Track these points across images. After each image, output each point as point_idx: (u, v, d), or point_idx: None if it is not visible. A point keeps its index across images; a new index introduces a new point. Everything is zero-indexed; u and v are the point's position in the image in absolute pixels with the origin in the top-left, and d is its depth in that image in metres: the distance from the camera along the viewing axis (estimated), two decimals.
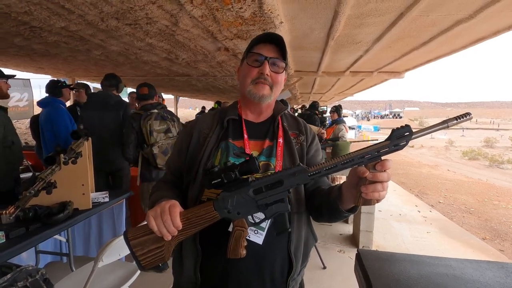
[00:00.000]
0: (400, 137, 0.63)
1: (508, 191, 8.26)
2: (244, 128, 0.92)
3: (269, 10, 1.99)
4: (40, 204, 1.54)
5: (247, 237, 0.80)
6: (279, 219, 0.74)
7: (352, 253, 3.00)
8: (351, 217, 3.67)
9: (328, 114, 7.80)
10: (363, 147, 0.67)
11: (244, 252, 0.73)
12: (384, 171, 0.64)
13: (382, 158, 0.65)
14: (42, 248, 2.12)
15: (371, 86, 8.21)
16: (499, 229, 4.95)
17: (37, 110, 3.19)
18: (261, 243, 0.82)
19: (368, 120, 78.96)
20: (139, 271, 1.65)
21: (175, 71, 4.80)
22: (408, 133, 0.62)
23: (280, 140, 0.92)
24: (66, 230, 1.66)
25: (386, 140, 0.65)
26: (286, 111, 1.01)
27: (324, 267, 2.67)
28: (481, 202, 6.80)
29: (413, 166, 12.98)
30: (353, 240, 3.27)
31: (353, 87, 8.36)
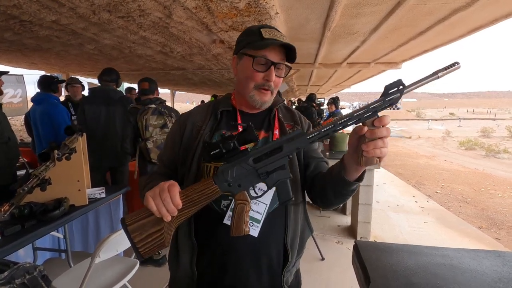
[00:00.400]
0: (393, 91, 0.62)
1: (504, 180, 8.33)
2: (239, 118, 0.90)
3: (265, 0, 1.95)
4: (36, 201, 1.53)
5: None
6: (281, 188, 0.71)
7: (350, 244, 3.03)
8: (349, 208, 3.69)
9: (325, 106, 7.78)
10: None
11: (247, 229, 0.71)
12: (383, 126, 0.63)
13: (379, 114, 0.64)
14: (40, 245, 2.11)
15: (368, 78, 8.18)
16: (495, 218, 5.00)
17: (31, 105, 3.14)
18: (256, 236, 0.81)
19: None
20: (137, 266, 1.65)
21: (170, 64, 4.74)
22: (401, 87, 0.62)
23: (276, 132, 0.90)
24: (63, 226, 1.65)
25: (381, 95, 0.64)
26: (281, 103, 0.99)
27: (323, 259, 2.69)
28: (477, 192, 6.86)
29: (411, 157, 13.04)
30: (351, 231, 3.30)
31: (350, 79, 8.33)
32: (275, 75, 0.83)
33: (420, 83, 0.63)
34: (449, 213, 4.43)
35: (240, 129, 0.87)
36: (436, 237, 3.39)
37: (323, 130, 0.67)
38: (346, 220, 3.62)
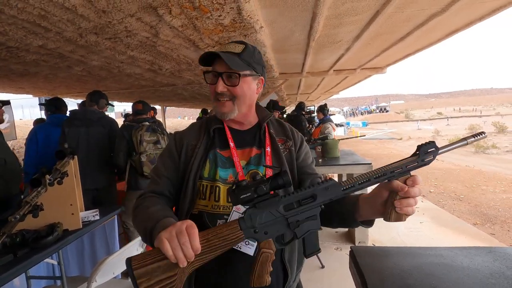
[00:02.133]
0: (427, 152, 0.67)
1: (495, 175, 8.50)
2: (230, 136, 0.91)
3: (249, 15, 2.00)
4: (28, 228, 1.50)
5: (238, 248, 0.79)
6: (309, 239, 0.67)
7: (348, 250, 3.03)
8: None
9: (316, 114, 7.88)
10: (388, 164, 0.69)
11: (269, 279, 0.66)
12: (414, 186, 0.65)
13: (411, 173, 0.67)
14: (33, 273, 2.05)
15: (355, 83, 8.35)
16: (488, 213, 5.08)
17: (18, 130, 3.11)
18: (252, 254, 0.79)
19: (355, 116, 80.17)
20: None
21: (160, 81, 4.77)
22: (434, 149, 0.67)
23: (268, 149, 0.91)
24: (57, 252, 1.62)
25: (413, 155, 0.68)
26: (271, 117, 1.00)
27: (323, 267, 2.68)
28: (470, 188, 6.97)
29: (403, 157, 13.19)
30: (349, 236, 3.30)
31: (338, 85, 8.49)
32: (227, 84, 0.85)
33: (451, 147, 0.69)
34: (444, 211, 4.49)
35: (235, 153, 0.88)
36: (432, 237, 3.43)
37: (358, 184, 0.67)
38: None
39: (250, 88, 0.89)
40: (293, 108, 8.00)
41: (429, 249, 0.98)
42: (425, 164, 0.67)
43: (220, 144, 0.91)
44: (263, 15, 2.21)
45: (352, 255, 0.95)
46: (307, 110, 7.72)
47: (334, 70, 5.04)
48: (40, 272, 2.15)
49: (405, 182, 0.65)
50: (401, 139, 25.14)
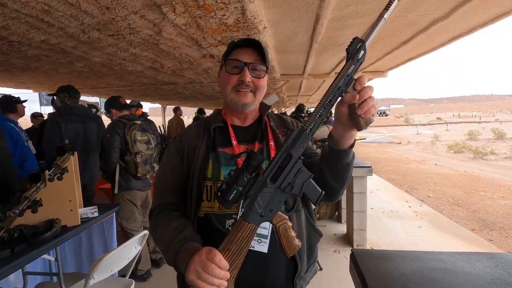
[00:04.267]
0: (356, 50, 0.64)
1: (493, 181, 8.51)
2: (232, 134, 0.90)
3: (252, 16, 2.00)
4: (26, 224, 1.49)
5: (252, 248, 0.79)
6: (308, 190, 0.69)
7: (347, 252, 3.02)
8: (344, 216, 3.70)
9: None
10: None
11: (299, 242, 0.70)
12: (363, 87, 0.64)
13: (355, 77, 0.66)
14: (30, 269, 2.04)
15: None
16: (486, 219, 5.09)
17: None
18: (266, 251, 0.81)
19: None
20: (133, 286, 1.61)
21: (161, 79, 4.76)
22: (360, 43, 0.64)
23: (272, 143, 0.91)
24: (54, 248, 1.61)
25: (347, 60, 0.65)
26: (270, 111, 1.00)
27: (321, 269, 2.67)
28: (468, 194, 6.99)
29: (402, 162, 13.22)
30: (347, 239, 3.30)
31: None
32: (252, 76, 0.85)
33: (373, 32, 0.65)
34: (442, 216, 4.49)
35: (238, 150, 0.87)
36: (431, 241, 3.42)
37: (317, 117, 0.67)
38: (342, 228, 3.62)
39: (266, 82, 0.91)
40: (293, 109, 8.00)
41: (430, 254, 0.97)
42: (361, 61, 0.65)
43: (222, 142, 0.90)
44: (266, 16, 2.21)
45: (353, 258, 0.95)
46: (307, 112, 7.73)
47: (335, 73, 5.04)
48: (36, 268, 2.14)
49: (355, 89, 0.65)
50: (400, 143, 25.18)
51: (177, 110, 7.71)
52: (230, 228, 0.81)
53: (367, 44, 0.64)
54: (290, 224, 0.69)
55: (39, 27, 2.09)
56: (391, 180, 8.05)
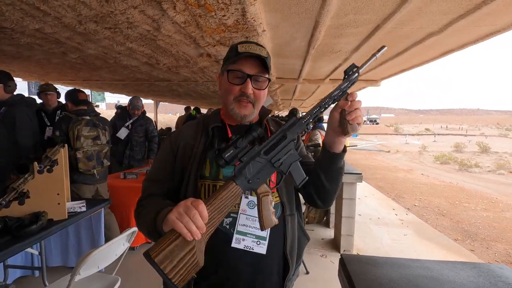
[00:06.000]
0: (352, 72, 0.78)
1: (476, 193, 8.76)
2: (230, 133, 0.91)
3: (252, 18, 2.01)
4: (11, 216, 1.45)
5: (250, 249, 0.81)
6: (294, 171, 0.77)
7: (334, 257, 3.05)
8: (332, 221, 3.74)
9: None
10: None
11: (276, 219, 0.75)
12: (354, 99, 0.76)
13: (348, 91, 0.79)
14: (11, 262, 1.98)
15: None
16: (469, 230, 5.22)
17: None
18: (265, 253, 0.82)
19: None
20: (119, 283, 1.58)
21: (156, 76, 4.72)
22: (355, 68, 0.79)
23: None
24: (39, 242, 1.57)
25: (343, 79, 0.79)
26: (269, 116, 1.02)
27: (307, 272, 2.69)
28: (452, 204, 7.16)
29: (390, 170, 13.46)
30: (334, 244, 3.33)
31: None
32: (254, 87, 0.85)
33: (367, 63, 0.81)
34: (427, 225, 4.58)
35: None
36: (415, 249, 3.49)
37: (313, 112, 0.79)
38: (329, 233, 3.65)
39: (266, 92, 0.92)
40: (286, 113, 8.04)
41: (416, 261, 1.00)
42: (354, 81, 0.79)
43: (220, 142, 0.91)
44: (266, 19, 2.23)
45: (342, 262, 0.96)
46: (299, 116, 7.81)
47: (330, 79, 5.10)
48: (17, 261, 2.08)
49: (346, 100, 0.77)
50: (389, 151, 25.62)
51: (188, 109, 8.17)
52: (227, 226, 0.83)
53: (360, 71, 0.79)
54: (271, 198, 0.74)
55: (34, 15, 2.04)
56: (379, 187, 8.18)
